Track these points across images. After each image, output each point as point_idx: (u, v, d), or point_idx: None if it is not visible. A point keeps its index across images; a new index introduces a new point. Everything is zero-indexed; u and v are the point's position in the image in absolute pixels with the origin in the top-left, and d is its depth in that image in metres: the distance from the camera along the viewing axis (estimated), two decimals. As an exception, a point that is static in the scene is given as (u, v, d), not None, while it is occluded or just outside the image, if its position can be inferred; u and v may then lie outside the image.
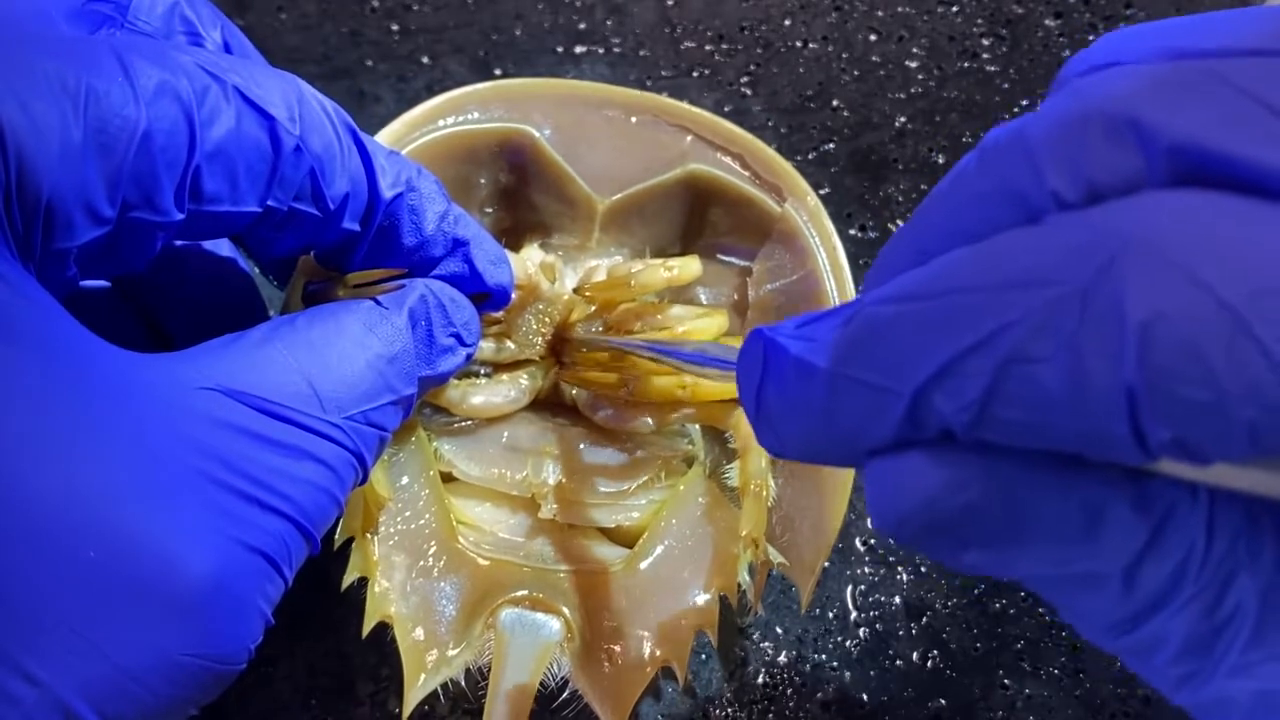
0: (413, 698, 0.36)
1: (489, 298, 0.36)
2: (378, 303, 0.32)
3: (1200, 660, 0.21)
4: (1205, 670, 0.21)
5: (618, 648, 0.38)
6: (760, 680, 0.44)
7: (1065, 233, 0.19)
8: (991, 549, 0.21)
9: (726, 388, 0.41)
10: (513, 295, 0.37)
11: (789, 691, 0.43)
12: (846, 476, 0.40)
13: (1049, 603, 0.22)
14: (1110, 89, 0.20)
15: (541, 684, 0.37)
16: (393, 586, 0.38)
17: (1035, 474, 0.20)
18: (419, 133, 0.43)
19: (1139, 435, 0.18)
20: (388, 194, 0.32)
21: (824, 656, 0.44)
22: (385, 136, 0.42)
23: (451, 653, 0.37)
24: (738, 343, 0.36)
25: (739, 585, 0.39)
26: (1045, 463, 0.20)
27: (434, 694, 0.37)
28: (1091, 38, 0.54)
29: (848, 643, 0.44)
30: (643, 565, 0.39)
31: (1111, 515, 0.20)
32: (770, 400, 0.24)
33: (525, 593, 0.38)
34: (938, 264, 0.21)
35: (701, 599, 0.38)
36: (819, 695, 0.43)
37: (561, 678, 0.37)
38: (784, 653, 0.44)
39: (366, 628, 0.37)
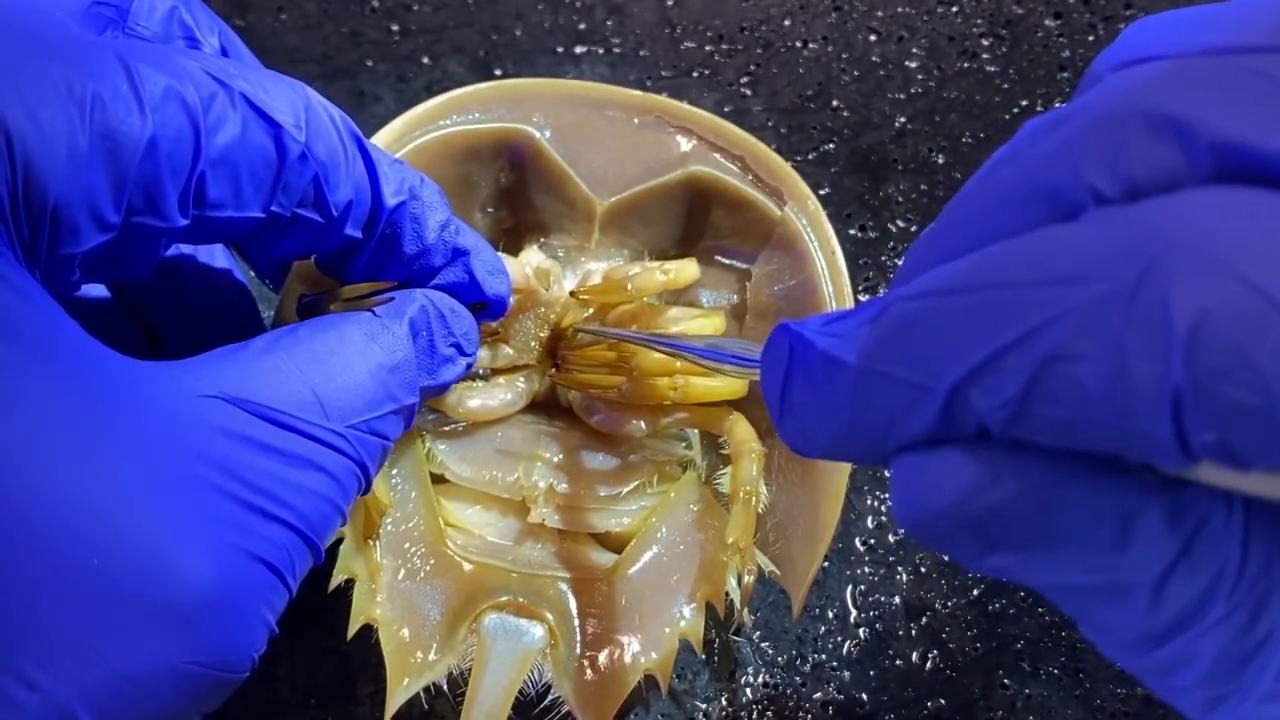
0: (395, 701, 0.36)
1: (486, 307, 0.36)
2: (374, 314, 0.32)
3: (1231, 683, 0.20)
4: (1236, 694, 0.20)
5: (601, 655, 0.38)
6: (760, 680, 0.44)
7: (1108, 229, 0.19)
8: (1019, 552, 0.20)
9: (717, 389, 0.40)
10: (510, 301, 0.37)
11: (789, 691, 0.43)
12: (840, 484, 0.39)
13: (1071, 616, 0.22)
14: (1147, 85, 0.20)
15: (522, 691, 0.37)
16: (379, 588, 0.38)
17: (1069, 476, 0.19)
18: (420, 131, 0.43)
19: (1182, 437, 0.17)
20: (390, 202, 0.32)
21: (824, 656, 0.44)
22: (386, 135, 0.42)
23: (434, 657, 0.37)
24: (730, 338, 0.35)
25: (725, 593, 0.39)
26: (1079, 465, 0.19)
27: (436, 693, 0.37)
28: (1091, 38, 0.54)
29: (848, 643, 0.44)
30: (630, 571, 0.39)
31: (1143, 523, 0.19)
32: (796, 396, 0.24)
33: (509, 598, 0.38)
34: (972, 259, 0.21)
35: (687, 609, 0.38)
36: (819, 695, 0.43)
37: (544, 684, 0.37)
38: (784, 653, 0.44)
39: (351, 630, 0.37)
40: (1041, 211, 0.21)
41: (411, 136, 0.42)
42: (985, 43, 0.54)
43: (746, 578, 0.38)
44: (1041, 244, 0.20)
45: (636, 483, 0.41)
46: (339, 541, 0.38)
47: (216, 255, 0.38)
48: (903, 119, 0.53)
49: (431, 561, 0.38)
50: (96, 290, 0.37)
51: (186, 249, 0.37)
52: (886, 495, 0.47)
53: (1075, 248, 0.19)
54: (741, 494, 0.39)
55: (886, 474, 0.47)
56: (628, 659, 0.38)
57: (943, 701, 0.43)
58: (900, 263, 0.50)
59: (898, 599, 0.45)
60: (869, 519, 0.46)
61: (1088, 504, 0.19)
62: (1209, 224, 0.17)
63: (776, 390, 0.25)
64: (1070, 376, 0.18)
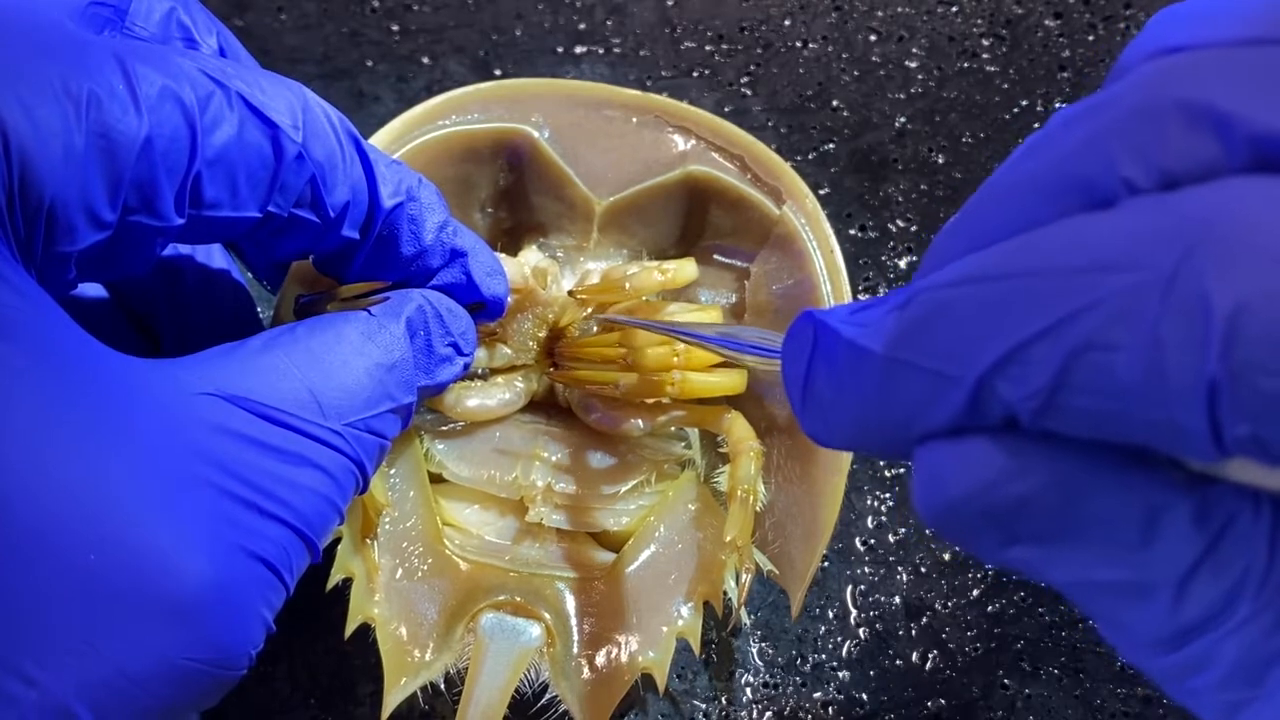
0: (391, 700, 0.36)
1: (484, 307, 0.36)
2: (370, 313, 0.32)
3: (1254, 687, 0.20)
4: (1259, 699, 0.20)
5: (599, 654, 0.38)
6: (760, 680, 0.44)
7: (1143, 217, 0.18)
8: (1041, 545, 0.20)
9: (715, 384, 0.40)
10: (508, 301, 0.37)
11: (789, 691, 0.43)
12: (839, 483, 0.39)
13: (1090, 613, 0.22)
14: (1182, 75, 0.19)
15: (519, 690, 0.37)
16: (376, 587, 0.38)
17: (1096, 469, 0.19)
18: (419, 131, 0.43)
19: (1215, 430, 0.17)
20: (388, 203, 0.32)
21: (824, 656, 0.44)
22: (385, 135, 0.42)
23: (431, 656, 0.37)
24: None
25: (724, 593, 0.39)
26: (1107, 459, 0.19)
27: (434, 692, 0.37)
28: (1091, 38, 0.54)
29: (848, 643, 0.44)
30: (628, 570, 0.39)
31: (1169, 520, 0.19)
32: (819, 385, 0.24)
33: (506, 597, 0.38)
34: (1002, 247, 0.20)
35: (685, 608, 0.39)
36: (819, 695, 0.43)
37: (541, 683, 0.37)
38: (784, 653, 0.44)
39: (349, 629, 0.37)
40: (1073, 201, 0.20)
41: (411, 136, 0.43)
42: (985, 43, 0.54)
43: (744, 577, 0.38)
44: (1074, 232, 0.19)
45: (635, 481, 0.41)
46: (337, 541, 0.38)
47: (214, 255, 0.38)
48: (903, 119, 0.53)
49: (429, 560, 0.38)
50: (94, 290, 0.37)
51: (184, 249, 0.37)
52: (887, 495, 0.47)
53: (1110, 236, 0.19)
54: (740, 493, 0.39)
55: (887, 474, 0.47)
56: (625, 658, 0.38)
57: (943, 701, 0.43)
58: (901, 263, 0.50)
59: (898, 599, 0.45)
60: (869, 519, 0.46)
61: (1113, 498, 0.19)
62: (1248, 212, 0.17)
63: (799, 379, 0.24)
64: (1103, 366, 0.18)
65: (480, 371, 0.42)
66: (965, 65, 0.54)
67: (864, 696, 0.43)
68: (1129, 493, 0.19)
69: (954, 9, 0.55)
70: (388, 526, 0.39)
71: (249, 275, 0.40)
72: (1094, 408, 0.18)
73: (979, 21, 0.54)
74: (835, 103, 0.53)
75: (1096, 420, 0.18)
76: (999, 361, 0.19)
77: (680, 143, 0.44)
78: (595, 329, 0.42)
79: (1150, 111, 0.19)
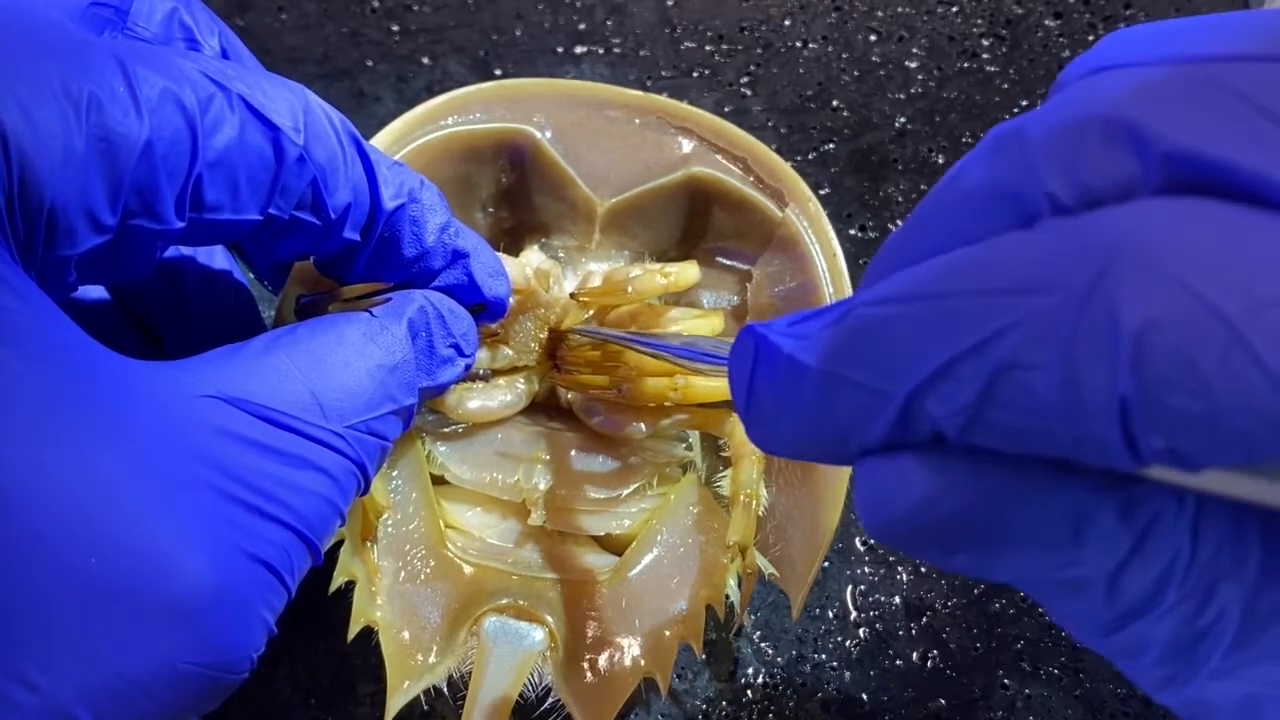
0: (395, 704, 0.36)
1: (486, 308, 0.36)
2: (371, 314, 0.32)
3: (1182, 663, 0.21)
4: (1187, 673, 0.21)
5: (601, 658, 0.38)
6: (760, 680, 0.44)
7: (1060, 238, 0.19)
8: (979, 553, 0.21)
9: (718, 390, 0.40)
10: (510, 302, 0.37)
11: (789, 691, 0.43)
12: (840, 487, 0.39)
13: (1038, 603, 0.22)
14: (1108, 92, 0.20)
15: (522, 694, 0.37)
16: (379, 591, 0.38)
17: (1023, 480, 0.20)
18: (420, 132, 0.43)
19: (1131, 443, 0.18)
20: (389, 205, 0.32)
21: (824, 656, 0.44)
22: (387, 135, 0.42)
23: (434, 660, 0.37)
24: (729, 339, 0.35)
25: (726, 596, 0.39)
26: (1033, 469, 0.20)
27: (436, 694, 0.37)
28: (1091, 38, 0.54)
29: (848, 643, 0.44)
30: (630, 574, 0.39)
31: (1097, 522, 0.20)
32: (761, 397, 0.24)
33: (509, 601, 0.38)
34: (931, 266, 0.21)
35: (687, 611, 0.38)
36: (819, 695, 0.43)
37: (544, 687, 0.37)
38: (784, 653, 0.44)
39: (352, 632, 0.37)
40: (1004, 217, 0.21)
41: (412, 137, 0.42)
42: (985, 43, 0.54)
43: (746, 580, 0.38)
44: (997, 252, 0.20)
45: (636, 485, 0.41)
46: (340, 543, 0.38)
47: (216, 256, 0.38)
48: (903, 119, 0.53)
49: (432, 563, 0.38)
50: (95, 291, 0.37)
51: (186, 250, 0.37)
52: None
53: (1029, 256, 0.19)
54: (742, 497, 0.39)
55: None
56: (627, 662, 0.37)
57: (943, 701, 0.43)
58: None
59: (898, 599, 0.45)
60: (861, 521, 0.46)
61: (1042, 506, 0.20)
62: (1157, 234, 0.18)
63: (742, 391, 0.25)
64: (1023, 384, 0.19)
65: (482, 373, 0.41)
66: (965, 65, 0.54)
67: (864, 696, 0.43)
68: (1056, 501, 0.20)
69: (954, 9, 0.55)
70: (390, 529, 0.39)
71: (251, 276, 0.40)
72: (1016, 424, 0.19)
73: (979, 21, 0.54)
74: (835, 103, 0.53)
75: (1020, 436, 0.19)
76: (926, 380, 0.20)
77: (682, 144, 0.44)
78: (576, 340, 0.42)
79: (1075, 128, 0.20)
